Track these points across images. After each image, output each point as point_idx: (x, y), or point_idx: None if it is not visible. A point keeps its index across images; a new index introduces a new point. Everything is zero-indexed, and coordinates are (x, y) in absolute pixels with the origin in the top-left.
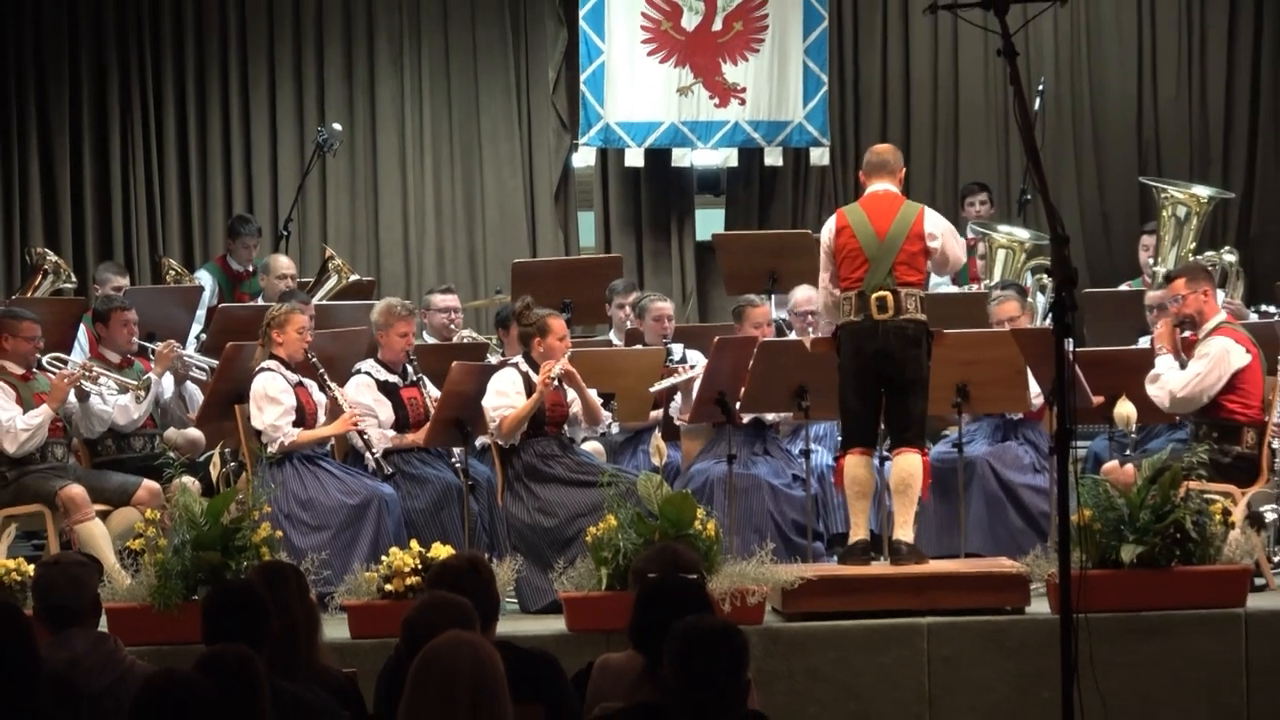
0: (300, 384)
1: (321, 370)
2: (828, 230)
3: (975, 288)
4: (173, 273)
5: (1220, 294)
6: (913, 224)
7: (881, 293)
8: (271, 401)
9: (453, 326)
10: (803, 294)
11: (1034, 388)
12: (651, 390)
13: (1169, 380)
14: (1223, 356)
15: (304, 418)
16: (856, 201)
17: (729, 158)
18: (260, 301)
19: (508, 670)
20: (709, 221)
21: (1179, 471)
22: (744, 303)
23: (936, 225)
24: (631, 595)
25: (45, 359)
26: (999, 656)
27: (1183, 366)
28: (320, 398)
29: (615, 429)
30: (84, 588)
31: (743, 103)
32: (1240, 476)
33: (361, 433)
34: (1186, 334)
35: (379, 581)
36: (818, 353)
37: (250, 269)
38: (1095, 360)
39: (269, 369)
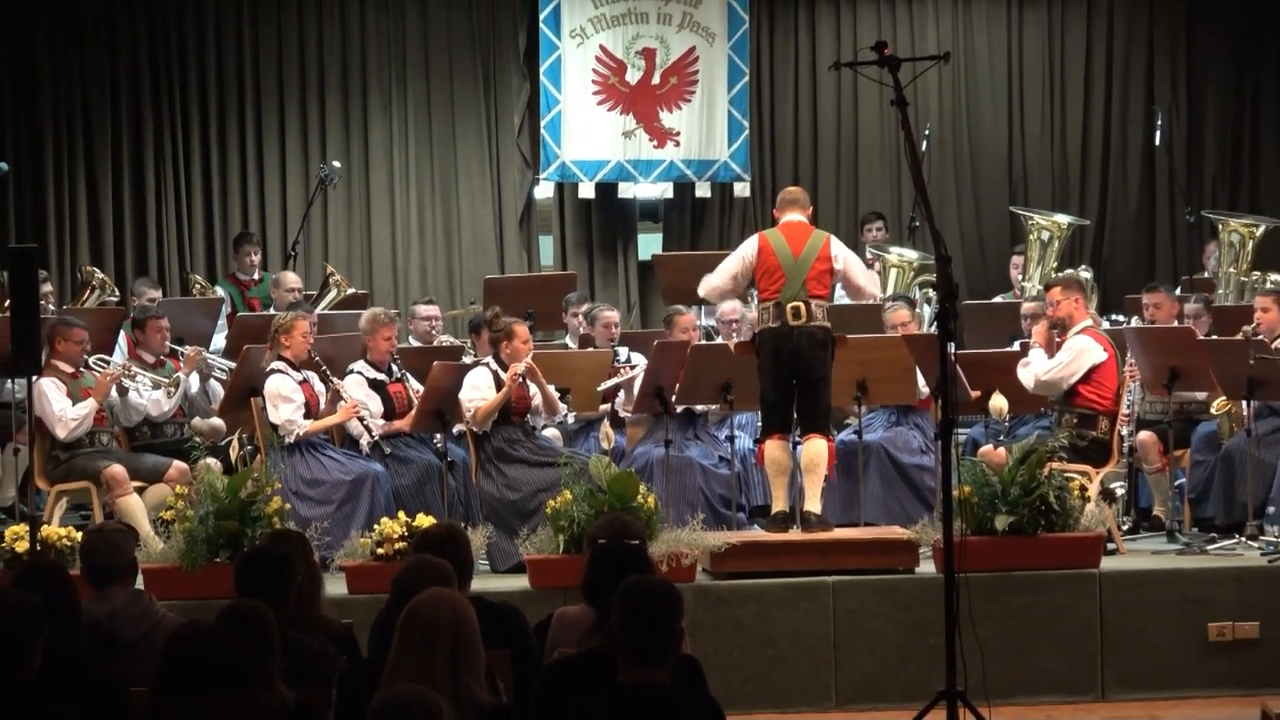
0: (305, 380)
1: (324, 367)
2: (750, 247)
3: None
4: (198, 286)
5: None
6: (821, 248)
7: (795, 303)
8: (285, 400)
9: (434, 332)
10: (728, 305)
11: (922, 383)
12: (599, 389)
13: (1037, 366)
14: (1082, 352)
15: (309, 409)
16: (775, 227)
17: (666, 190)
18: (271, 310)
19: (480, 621)
20: (649, 244)
21: (1043, 454)
22: (672, 312)
23: (840, 250)
24: (585, 558)
25: (92, 360)
26: (893, 609)
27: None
28: (322, 388)
29: (570, 418)
30: (123, 551)
31: (677, 144)
32: (1095, 458)
33: (362, 419)
34: (1058, 338)
35: (372, 546)
36: (740, 355)
37: (257, 277)
38: (973, 361)
39: (279, 370)
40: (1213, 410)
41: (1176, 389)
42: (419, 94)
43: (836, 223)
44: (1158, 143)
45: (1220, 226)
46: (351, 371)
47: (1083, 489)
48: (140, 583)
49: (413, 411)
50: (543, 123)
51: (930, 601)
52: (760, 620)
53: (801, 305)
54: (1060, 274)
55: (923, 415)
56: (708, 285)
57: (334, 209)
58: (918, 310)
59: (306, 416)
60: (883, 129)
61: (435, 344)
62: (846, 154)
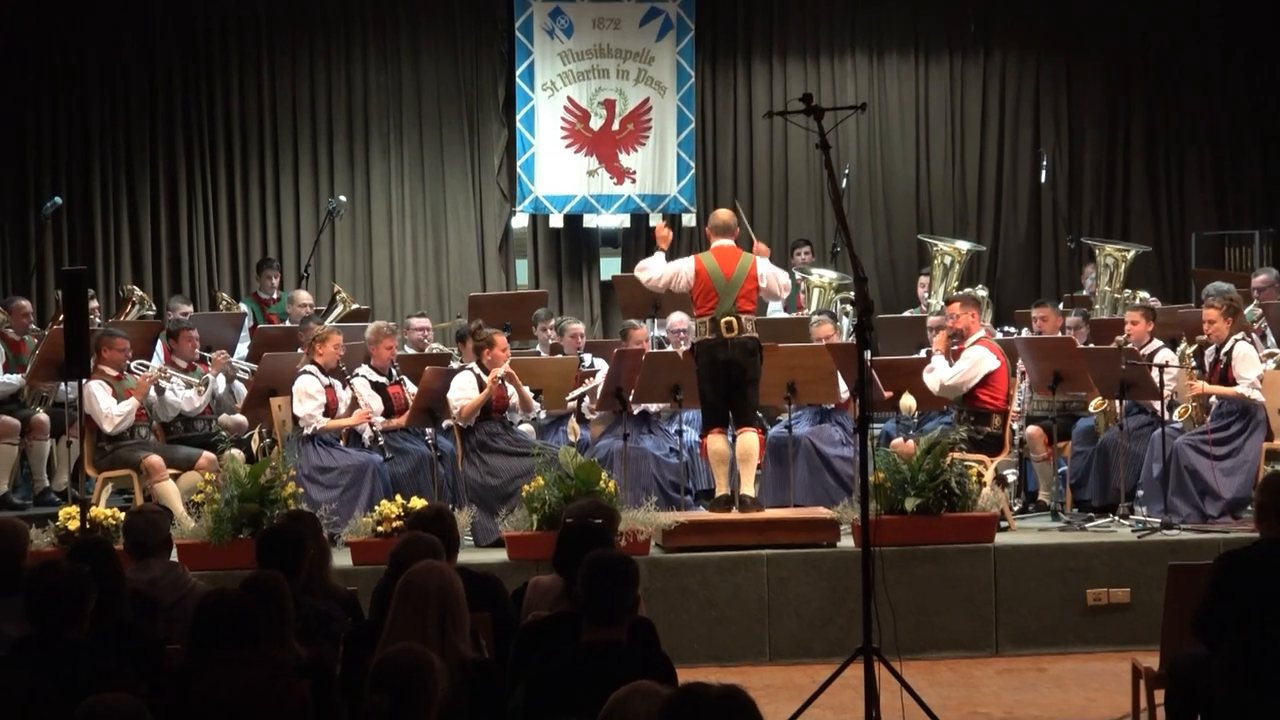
0: (330, 385)
1: (349, 378)
2: (689, 267)
3: (802, 313)
4: (225, 302)
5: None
6: (749, 270)
7: (729, 317)
8: (309, 397)
9: (426, 341)
10: (676, 318)
11: (842, 385)
12: (567, 399)
13: (940, 373)
14: (979, 360)
15: (328, 409)
16: (709, 251)
17: (624, 221)
18: (287, 324)
19: (465, 588)
20: (609, 266)
21: (946, 445)
22: (627, 326)
23: (764, 269)
24: (555, 534)
25: (133, 365)
26: (817, 578)
27: (951, 365)
28: (342, 394)
29: (543, 415)
30: (160, 529)
31: (634, 181)
32: (990, 449)
33: (371, 424)
34: (956, 345)
35: (373, 524)
36: (688, 361)
37: (275, 296)
38: (886, 366)
39: (308, 372)
40: (1090, 408)
41: (1060, 390)
42: (413, 138)
43: (769, 248)
44: (1043, 180)
45: (1096, 251)
46: (357, 375)
47: (979, 475)
48: (175, 556)
49: (408, 410)
50: (519, 163)
51: (849, 571)
52: (704, 587)
53: (733, 319)
54: (960, 292)
55: (843, 413)
56: (648, 273)
57: (340, 236)
58: (838, 323)
59: (325, 415)
60: (809, 168)
61: (427, 351)
62: (778, 189)
